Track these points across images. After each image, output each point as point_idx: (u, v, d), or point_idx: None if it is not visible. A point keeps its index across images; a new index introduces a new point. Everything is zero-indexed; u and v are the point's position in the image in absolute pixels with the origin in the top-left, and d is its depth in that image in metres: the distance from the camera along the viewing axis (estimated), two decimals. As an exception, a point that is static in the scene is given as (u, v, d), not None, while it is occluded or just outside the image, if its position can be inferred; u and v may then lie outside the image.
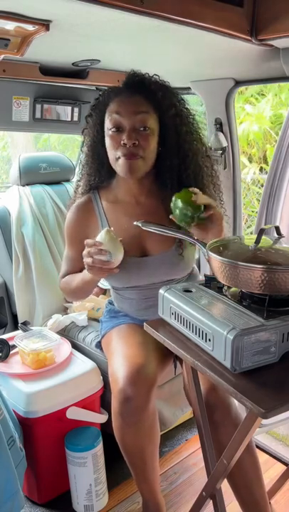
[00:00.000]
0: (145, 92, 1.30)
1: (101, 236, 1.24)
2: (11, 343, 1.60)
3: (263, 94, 3.82)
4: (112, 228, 1.27)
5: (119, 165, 1.31)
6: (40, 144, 5.42)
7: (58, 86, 1.78)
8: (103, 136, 1.34)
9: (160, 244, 1.38)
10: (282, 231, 1.05)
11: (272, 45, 1.24)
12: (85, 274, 1.34)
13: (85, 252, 1.25)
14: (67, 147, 5.32)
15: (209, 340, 0.90)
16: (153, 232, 1.23)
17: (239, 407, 1.26)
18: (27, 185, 2.10)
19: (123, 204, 1.42)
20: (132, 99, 1.29)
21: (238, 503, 1.29)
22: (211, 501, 1.11)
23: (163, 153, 1.35)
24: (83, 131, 1.43)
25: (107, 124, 1.31)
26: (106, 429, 1.48)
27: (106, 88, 1.40)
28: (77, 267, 1.45)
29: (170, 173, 1.36)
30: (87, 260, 1.24)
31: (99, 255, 1.21)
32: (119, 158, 1.30)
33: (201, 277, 1.45)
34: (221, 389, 1.23)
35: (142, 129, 1.28)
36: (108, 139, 1.32)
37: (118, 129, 1.29)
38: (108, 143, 1.32)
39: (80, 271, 1.42)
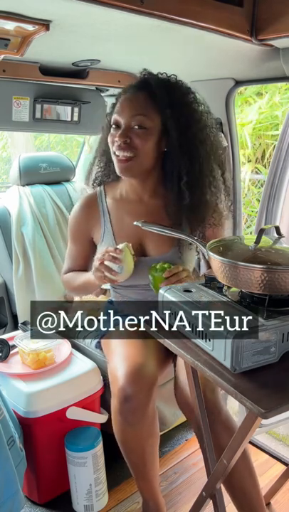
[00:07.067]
0: (149, 91, 1.30)
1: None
2: (11, 343, 1.60)
3: (260, 94, 3.80)
4: (130, 244, 1.29)
5: (114, 163, 1.34)
6: (36, 141, 5.35)
7: (58, 86, 1.78)
8: None
9: (160, 246, 1.39)
10: (282, 231, 1.05)
11: (272, 45, 1.24)
12: (90, 277, 1.37)
13: (99, 255, 1.29)
14: (66, 147, 5.28)
15: (209, 340, 0.90)
16: (153, 233, 1.23)
17: (239, 408, 1.26)
18: (27, 185, 2.10)
19: (127, 202, 1.44)
20: (133, 98, 1.31)
21: (235, 507, 1.28)
22: (211, 501, 1.11)
23: (167, 154, 1.34)
24: (102, 128, 1.46)
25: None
26: (106, 429, 1.48)
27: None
28: (78, 264, 1.48)
29: (172, 175, 1.34)
30: (96, 263, 1.28)
31: (111, 263, 1.26)
32: (115, 155, 1.33)
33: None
34: (211, 393, 1.24)
35: (136, 127, 1.29)
36: (108, 136, 1.36)
37: (117, 126, 1.32)
38: (108, 140, 1.36)
39: (82, 267, 1.44)
